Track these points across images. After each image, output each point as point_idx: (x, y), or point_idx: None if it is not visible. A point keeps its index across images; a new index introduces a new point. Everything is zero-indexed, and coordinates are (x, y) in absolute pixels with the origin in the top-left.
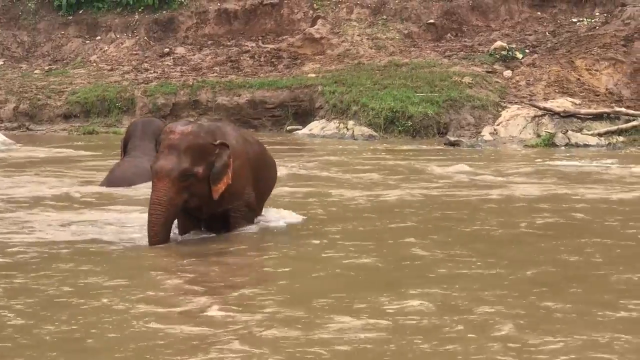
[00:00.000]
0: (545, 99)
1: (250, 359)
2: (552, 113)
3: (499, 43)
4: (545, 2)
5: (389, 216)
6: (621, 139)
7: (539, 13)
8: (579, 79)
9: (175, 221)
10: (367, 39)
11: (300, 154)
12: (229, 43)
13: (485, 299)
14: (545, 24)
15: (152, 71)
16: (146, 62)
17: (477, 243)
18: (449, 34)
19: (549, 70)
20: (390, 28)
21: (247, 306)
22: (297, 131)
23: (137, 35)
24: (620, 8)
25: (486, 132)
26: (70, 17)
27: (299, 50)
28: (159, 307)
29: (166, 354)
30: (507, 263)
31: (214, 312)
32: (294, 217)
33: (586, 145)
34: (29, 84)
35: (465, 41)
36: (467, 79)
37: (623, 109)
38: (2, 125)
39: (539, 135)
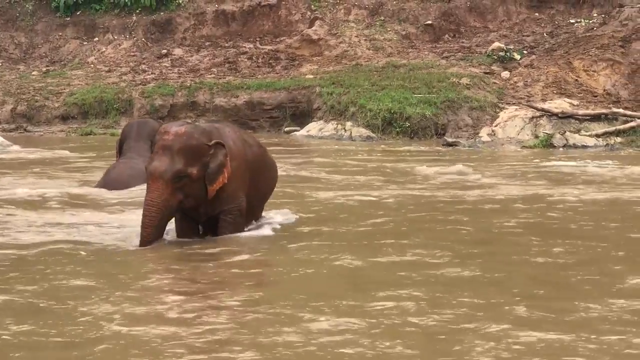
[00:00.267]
0: (543, 100)
1: None
2: (550, 114)
3: (496, 44)
4: (543, 3)
5: (361, 217)
6: (619, 139)
7: (536, 14)
8: (576, 80)
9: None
10: (365, 40)
11: (295, 155)
12: (226, 44)
13: (451, 301)
14: (543, 25)
15: (149, 72)
16: (144, 63)
17: (447, 244)
18: (446, 35)
19: (547, 71)
20: (388, 29)
21: (214, 308)
22: (295, 132)
23: (134, 37)
24: (618, 9)
25: (484, 133)
26: (68, 19)
27: (296, 51)
28: (127, 309)
29: (132, 355)
30: (479, 263)
31: (178, 314)
32: (286, 217)
33: (584, 146)
34: (26, 86)
35: (463, 42)
36: (464, 80)
37: (621, 110)
38: (0, 126)
39: (536, 137)
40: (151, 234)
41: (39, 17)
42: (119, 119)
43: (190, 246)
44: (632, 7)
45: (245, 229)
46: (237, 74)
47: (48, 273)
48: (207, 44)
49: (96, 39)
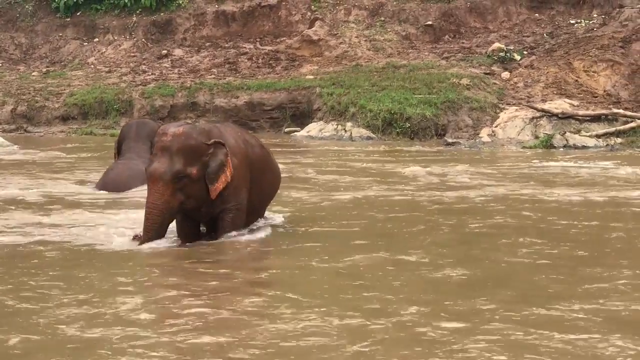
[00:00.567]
0: (543, 101)
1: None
2: (550, 115)
3: (496, 45)
4: (543, 4)
5: (338, 218)
6: (619, 140)
7: (536, 15)
8: (576, 80)
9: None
10: (365, 40)
11: (295, 156)
12: (226, 45)
13: (413, 302)
14: (543, 25)
15: (149, 73)
16: (144, 64)
17: (416, 244)
18: (446, 36)
19: (547, 72)
20: (388, 30)
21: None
22: (295, 133)
23: (134, 37)
24: (618, 10)
25: (484, 134)
26: (68, 19)
27: (296, 52)
28: (89, 310)
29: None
30: (444, 263)
31: (145, 314)
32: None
33: (584, 147)
34: (26, 86)
35: (463, 43)
36: (465, 81)
37: (621, 111)
38: (0, 127)
39: (537, 137)
40: (153, 237)
41: (39, 17)
42: (119, 120)
43: (183, 248)
44: (632, 8)
45: (247, 230)
46: (237, 74)
47: (15, 274)
48: (207, 44)
49: (96, 39)
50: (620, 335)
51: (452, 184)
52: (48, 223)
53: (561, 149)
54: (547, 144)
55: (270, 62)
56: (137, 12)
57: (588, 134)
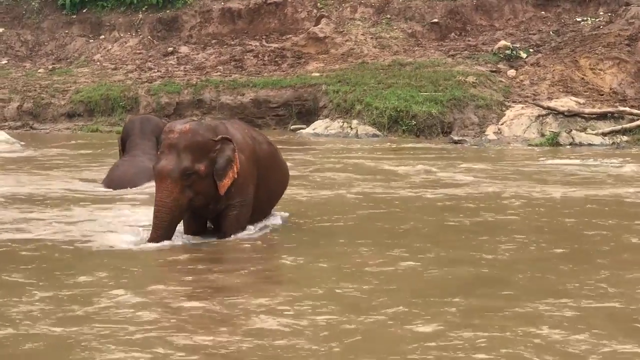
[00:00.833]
0: (550, 99)
1: None
2: (556, 112)
3: (503, 42)
4: (549, 2)
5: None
6: (625, 138)
7: (543, 12)
8: (583, 78)
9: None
10: (371, 38)
11: (297, 153)
12: (232, 42)
13: (388, 299)
14: (549, 23)
15: (155, 70)
16: (150, 61)
17: (397, 241)
18: (453, 34)
19: (553, 70)
20: (394, 27)
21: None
22: (301, 130)
23: (140, 35)
24: (624, 7)
25: (490, 132)
26: (74, 16)
27: (302, 49)
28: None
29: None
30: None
31: (140, 311)
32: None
33: (590, 145)
34: (32, 83)
35: (469, 40)
36: (471, 79)
37: (627, 109)
38: (6, 124)
39: (543, 135)
40: (162, 235)
41: (45, 14)
42: (124, 117)
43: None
44: (638, 6)
45: (254, 227)
46: (243, 71)
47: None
48: (213, 41)
49: (102, 36)
50: (595, 333)
51: (447, 181)
52: (47, 220)
53: (567, 147)
54: (553, 142)
55: (276, 59)
56: (143, 9)
57: (594, 132)
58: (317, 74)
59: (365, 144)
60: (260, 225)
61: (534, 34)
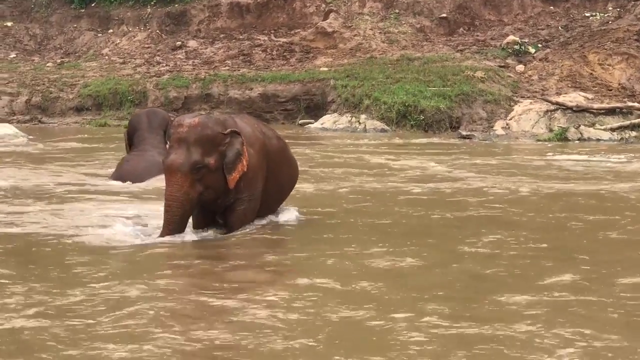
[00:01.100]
0: (558, 94)
1: None
2: (564, 108)
3: (511, 37)
4: None
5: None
6: (634, 133)
7: (551, 7)
8: (591, 73)
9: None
10: (380, 33)
11: (298, 148)
12: (241, 36)
13: (370, 294)
14: (558, 18)
15: (164, 64)
16: (158, 55)
17: (379, 236)
18: (461, 28)
19: (562, 65)
20: (403, 22)
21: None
22: (309, 125)
23: (149, 29)
24: (633, 2)
25: (498, 127)
26: (83, 10)
27: (311, 44)
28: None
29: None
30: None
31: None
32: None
33: (599, 140)
34: (41, 77)
35: (477, 35)
36: (479, 74)
37: (636, 104)
38: (15, 118)
39: (551, 130)
40: (174, 229)
41: (54, 8)
42: (133, 111)
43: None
44: None
45: (263, 221)
46: (252, 66)
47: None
48: (221, 36)
49: (110, 30)
50: (572, 327)
51: (446, 177)
52: (50, 214)
53: (576, 142)
54: (562, 137)
55: (285, 54)
56: (152, 3)
57: (602, 127)
58: (326, 69)
59: (373, 139)
60: (270, 219)
61: (543, 29)
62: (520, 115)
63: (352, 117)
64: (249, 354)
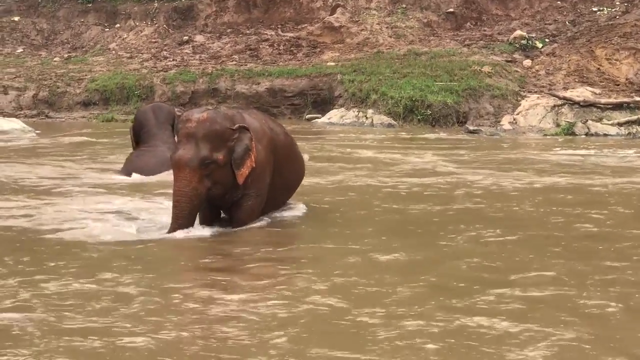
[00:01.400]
0: (565, 89)
1: None
2: (571, 102)
3: (518, 32)
4: None
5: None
6: None
7: (559, 2)
8: (599, 68)
9: None
10: (387, 27)
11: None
12: (248, 31)
13: (350, 289)
14: (565, 13)
15: (171, 59)
16: (165, 50)
17: (364, 231)
18: (468, 23)
19: (569, 60)
20: (410, 17)
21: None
22: (316, 120)
23: (156, 23)
24: None
25: (505, 122)
26: (90, 5)
27: (318, 38)
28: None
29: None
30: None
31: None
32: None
33: (606, 135)
34: (48, 72)
35: (484, 30)
36: (486, 68)
37: None
38: (22, 112)
39: (558, 125)
40: (183, 225)
41: (61, 3)
42: (140, 106)
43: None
44: None
45: (267, 217)
46: (259, 60)
47: None
48: (228, 30)
49: (118, 25)
50: (544, 321)
51: (440, 171)
52: (46, 209)
53: (583, 137)
54: (569, 132)
55: (292, 48)
56: None
57: (610, 122)
58: (333, 64)
59: (379, 134)
60: (276, 215)
61: (550, 24)
62: (527, 110)
63: (359, 111)
64: (253, 349)
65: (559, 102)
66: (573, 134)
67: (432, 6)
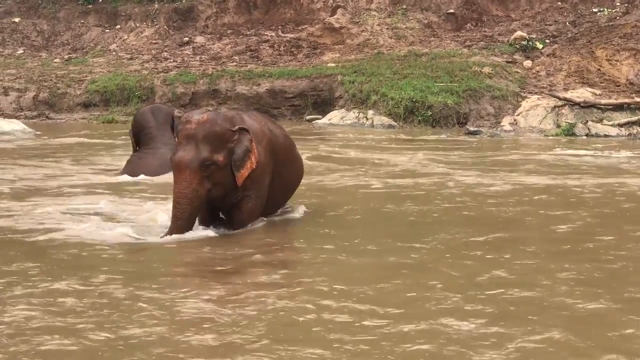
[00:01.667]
0: (565, 90)
1: None
2: (572, 103)
3: (519, 33)
4: None
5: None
6: None
7: (559, 3)
8: (599, 69)
9: None
10: (387, 28)
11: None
12: (248, 32)
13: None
14: (565, 14)
15: (171, 60)
16: (166, 51)
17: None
18: (468, 24)
19: (569, 61)
20: (410, 18)
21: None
22: (317, 121)
23: (156, 24)
24: None
25: (506, 123)
26: (90, 6)
27: (318, 39)
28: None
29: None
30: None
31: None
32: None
33: (606, 136)
34: (48, 73)
35: (485, 31)
36: (487, 69)
37: None
38: (22, 113)
39: (558, 126)
40: (182, 227)
41: (62, 4)
42: (140, 107)
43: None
44: None
45: (265, 219)
46: (259, 62)
47: None
48: (229, 31)
49: (118, 26)
50: (515, 323)
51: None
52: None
53: (583, 138)
54: (569, 133)
55: (292, 49)
56: None
57: (610, 123)
58: (333, 65)
59: (379, 135)
60: (275, 217)
61: (550, 25)
62: (527, 110)
63: (359, 112)
64: (252, 351)
65: (560, 103)
66: (573, 134)
67: (432, 7)
